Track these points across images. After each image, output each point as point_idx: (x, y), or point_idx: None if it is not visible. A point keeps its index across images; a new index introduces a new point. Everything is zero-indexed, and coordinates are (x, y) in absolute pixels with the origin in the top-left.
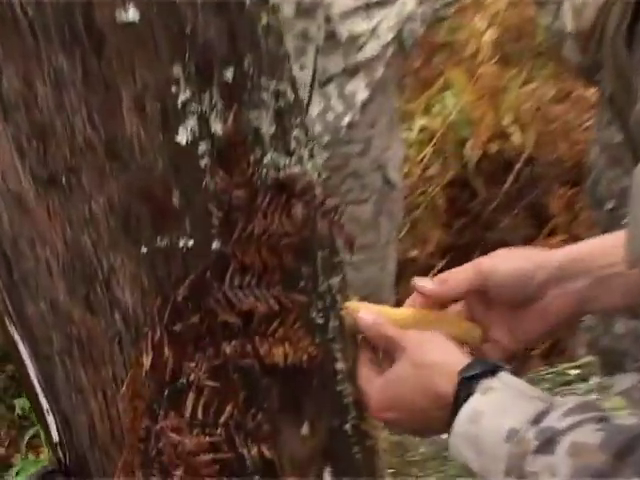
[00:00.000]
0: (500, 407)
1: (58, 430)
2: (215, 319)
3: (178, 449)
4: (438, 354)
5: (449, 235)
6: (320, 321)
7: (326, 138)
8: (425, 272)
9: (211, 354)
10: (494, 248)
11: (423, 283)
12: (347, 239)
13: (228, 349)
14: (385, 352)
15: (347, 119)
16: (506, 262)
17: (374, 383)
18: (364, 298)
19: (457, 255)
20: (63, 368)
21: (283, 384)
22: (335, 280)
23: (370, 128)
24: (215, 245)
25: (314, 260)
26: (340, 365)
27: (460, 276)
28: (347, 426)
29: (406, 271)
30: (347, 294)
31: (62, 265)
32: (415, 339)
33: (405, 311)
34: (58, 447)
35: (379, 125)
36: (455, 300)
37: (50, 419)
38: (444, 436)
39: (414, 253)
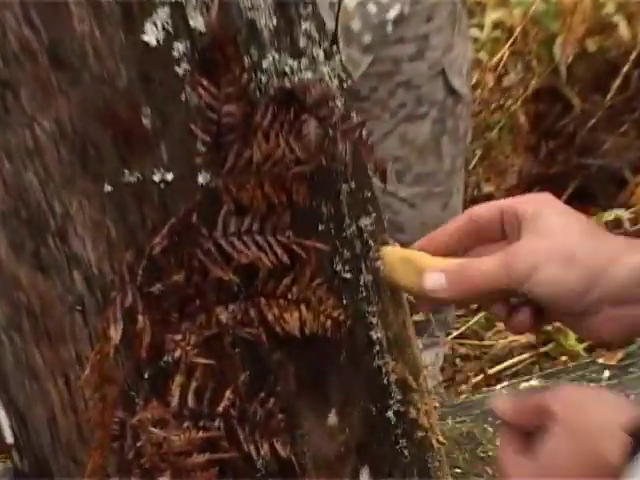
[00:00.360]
0: None
1: (12, 428)
2: (205, 277)
3: (163, 448)
4: (598, 412)
5: (535, 163)
6: (347, 276)
7: (367, 37)
8: None
9: (202, 323)
10: (595, 178)
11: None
12: (378, 165)
13: (224, 316)
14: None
15: (395, 11)
16: (550, 264)
17: (524, 467)
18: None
19: (547, 189)
20: (11, 347)
21: (300, 360)
22: (366, 221)
23: (425, 23)
24: (202, 179)
25: (336, 195)
26: (376, 333)
27: (483, 272)
28: (389, 413)
29: None
30: (385, 239)
31: (1, 213)
32: (567, 398)
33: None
34: (14, 450)
35: (438, 19)
36: None
37: (1, 414)
38: None
39: (488, 188)
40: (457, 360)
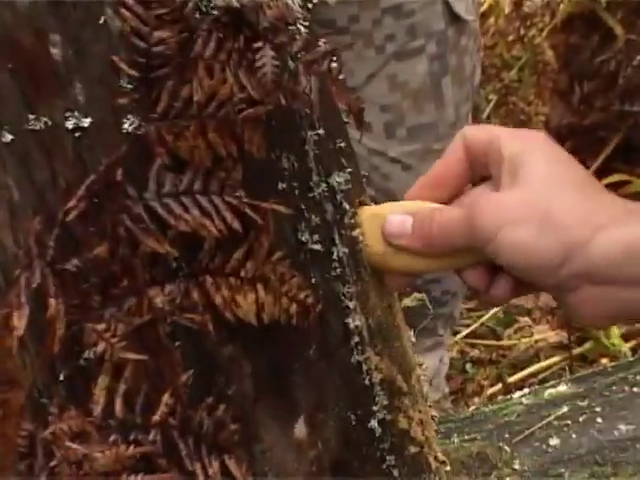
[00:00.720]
0: None
1: None
2: (135, 250)
3: (84, 468)
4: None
5: (566, 111)
6: (316, 247)
7: None
8: None
9: (132, 308)
10: None
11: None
12: (352, 106)
13: (159, 299)
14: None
15: None
16: (520, 225)
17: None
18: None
19: (581, 144)
20: None
21: (259, 355)
22: (339, 178)
23: None
24: (128, 125)
25: (300, 145)
26: (355, 321)
27: (442, 225)
28: (373, 422)
29: None
30: (364, 201)
31: None
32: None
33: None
34: None
35: None
36: None
37: None
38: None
39: None
40: (468, 366)
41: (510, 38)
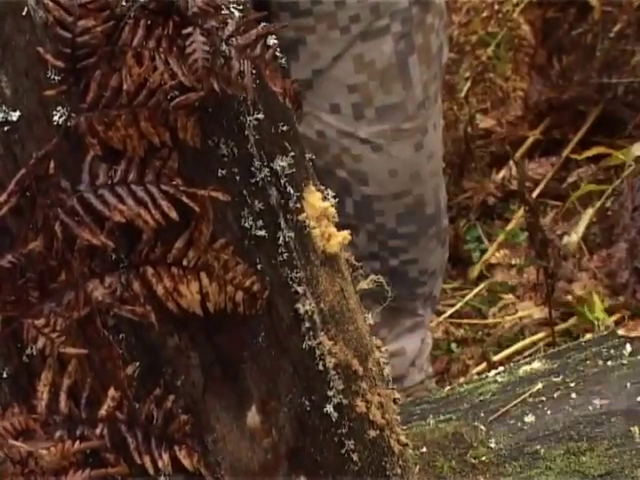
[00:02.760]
0: None
1: None
2: (71, 243)
3: (29, 466)
4: None
5: (544, 86)
6: (261, 233)
7: None
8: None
9: (71, 302)
10: (623, 102)
11: None
12: (287, 89)
13: (99, 292)
14: None
15: None
16: None
17: None
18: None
19: (561, 118)
20: None
21: (206, 345)
22: (283, 162)
23: None
24: (58, 117)
25: (239, 130)
26: (305, 306)
27: None
28: (329, 408)
29: (471, 154)
30: (309, 182)
31: None
32: None
33: None
34: None
35: None
36: None
37: None
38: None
39: (487, 122)
40: (453, 345)
41: (484, 14)
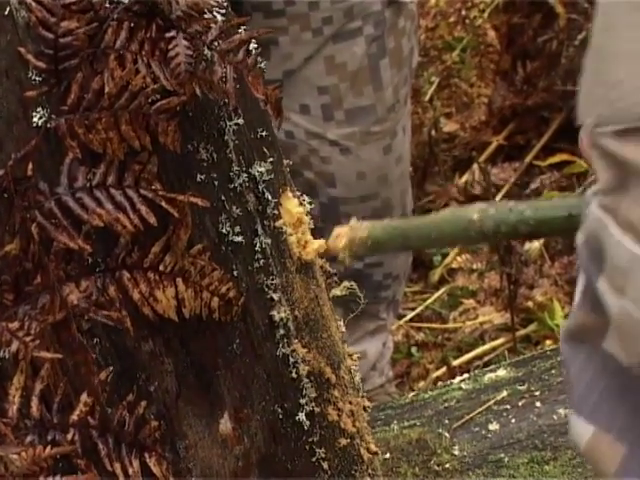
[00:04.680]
0: None
1: None
2: (48, 246)
3: None
4: None
5: (508, 92)
6: (238, 239)
7: None
8: (467, 162)
9: (46, 305)
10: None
11: None
12: (268, 96)
13: (75, 296)
14: None
15: None
16: None
17: None
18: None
19: (524, 124)
20: None
21: (180, 351)
22: (261, 168)
23: None
24: (37, 118)
25: (219, 135)
26: (280, 313)
27: None
28: (300, 416)
29: (435, 157)
30: (286, 188)
31: None
32: None
33: None
34: None
35: None
36: None
37: None
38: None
39: (451, 125)
40: (413, 349)
41: (451, 19)
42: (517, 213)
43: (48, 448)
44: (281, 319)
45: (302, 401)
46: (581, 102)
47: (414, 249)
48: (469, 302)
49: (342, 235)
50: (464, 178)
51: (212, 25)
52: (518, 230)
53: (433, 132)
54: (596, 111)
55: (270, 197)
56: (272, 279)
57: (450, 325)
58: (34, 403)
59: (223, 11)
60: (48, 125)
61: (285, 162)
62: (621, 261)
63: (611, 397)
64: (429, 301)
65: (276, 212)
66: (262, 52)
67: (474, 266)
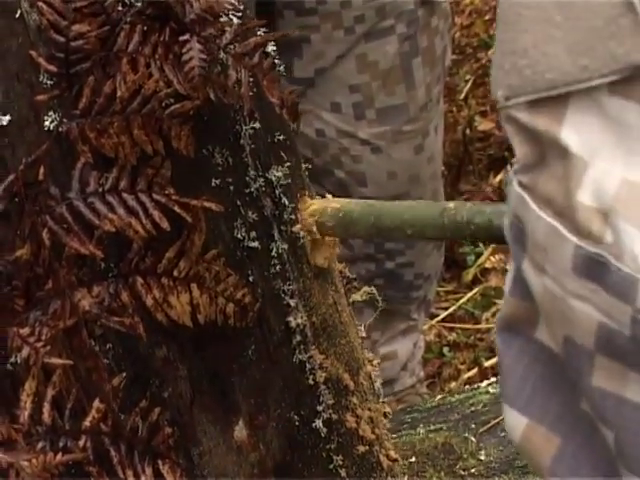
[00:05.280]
0: None
1: None
2: (60, 251)
3: (9, 478)
4: None
5: None
6: (254, 244)
7: None
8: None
9: (57, 311)
10: None
11: None
12: (285, 99)
13: (87, 301)
14: None
15: None
16: None
17: None
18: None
19: None
20: None
21: (195, 357)
22: (278, 172)
23: None
24: (49, 122)
25: (235, 139)
26: (297, 319)
27: None
28: (317, 423)
29: (469, 156)
30: (305, 194)
31: None
32: None
33: None
34: None
35: None
36: None
37: None
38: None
39: (485, 124)
40: (445, 349)
41: (487, 17)
42: (494, 207)
43: (59, 455)
44: (298, 325)
45: (319, 408)
46: (493, 76)
47: (385, 233)
48: (502, 302)
49: (315, 203)
50: (499, 177)
51: (227, 28)
52: (493, 222)
53: (468, 131)
54: (507, 82)
55: (287, 202)
56: (289, 285)
57: (483, 326)
58: (46, 409)
59: (239, 14)
60: (59, 129)
61: (303, 166)
62: (540, 237)
63: (544, 388)
64: (462, 301)
65: (293, 217)
66: (294, 50)
67: (507, 266)
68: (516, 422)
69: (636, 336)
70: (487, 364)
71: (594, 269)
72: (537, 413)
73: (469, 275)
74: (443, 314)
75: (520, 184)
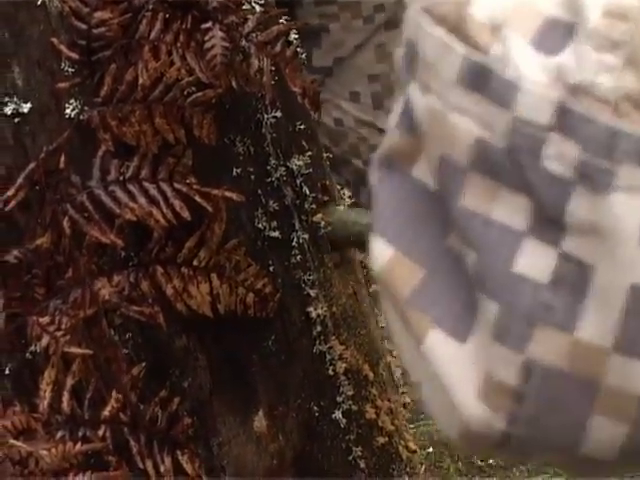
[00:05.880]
0: None
1: None
2: (80, 239)
3: (29, 467)
4: None
5: None
6: (275, 234)
7: None
8: None
9: (77, 300)
10: None
11: None
12: (307, 88)
13: (106, 290)
14: None
15: None
16: None
17: None
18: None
19: None
20: None
21: (215, 347)
22: (300, 161)
23: None
24: (70, 110)
25: (256, 128)
26: (317, 309)
27: None
28: (337, 414)
29: None
30: (326, 184)
31: None
32: None
33: None
34: None
35: None
36: None
37: None
38: None
39: None
40: None
41: None
42: None
43: (79, 444)
44: (318, 315)
45: (339, 399)
46: None
47: None
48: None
49: None
50: None
51: (249, 16)
52: None
53: None
54: None
55: (308, 191)
56: (309, 275)
57: None
58: (65, 398)
59: (262, 2)
60: (81, 117)
61: (324, 155)
62: (430, 53)
63: (415, 223)
64: None
65: (314, 207)
66: (313, 39)
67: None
68: (382, 251)
69: (512, 147)
70: None
71: (478, 79)
72: (405, 245)
73: None
74: None
75: (417, 9)
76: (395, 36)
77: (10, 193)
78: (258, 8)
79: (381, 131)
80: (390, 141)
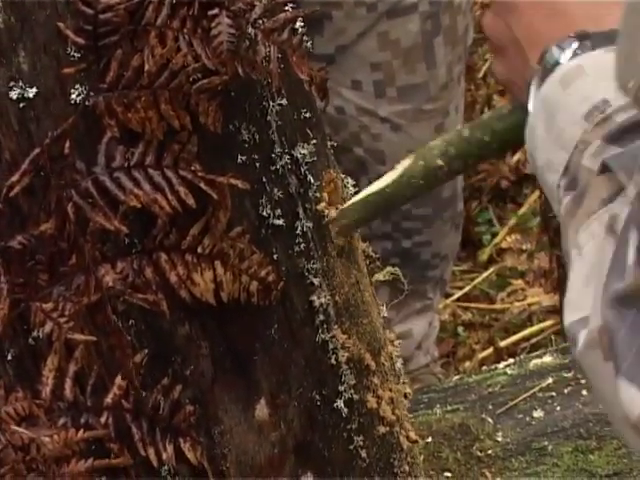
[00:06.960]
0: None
1: None
2: (84, 226)
3: (31, 453)
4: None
5: None
6: (279, 222)
7: None
8: None
9: (81, 286)
10: None
11: None
12: (314, 76)
13: (110, 277)
14: None
15: None
16: None
17: None
18: None
19: None
20: None
21: (217, 334)
22: (304, 150)
23: None
24: (76, 95)
25: (261, 116)
26: (320, 298)
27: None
28: (339, 403)
29: None
30: (330, 172)
31: None
32: None
33: None
34: None
35: None
36: None
37: None
38: None
39: (503, 103)
40: (459, 329)
41: None
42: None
43: (81, 431)
44: (321, 304)
45: (341, 388)
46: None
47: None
48: (518, 283)
49: None
50: (516, 157)
51: (256, 3)
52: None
53: (486, 109)
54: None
55: (312, 180)
56: (313, 263)
57: (498, 306)
58: (68, 385)
59: None
60: (86, 103)
61: (329, 144)
62: None
63: None
64: (477, 281)
65: (318, 195)
66: (315, 26)
67: (523, 246)
68: (637, 399)
69: None
70: (502, 344)
71: None
72: None
73: (485, 255)
74: (458, 293)
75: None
76: (397, 25)
77: (14, 179)
78: None
79: (382, 119)
80: (632, 281)
